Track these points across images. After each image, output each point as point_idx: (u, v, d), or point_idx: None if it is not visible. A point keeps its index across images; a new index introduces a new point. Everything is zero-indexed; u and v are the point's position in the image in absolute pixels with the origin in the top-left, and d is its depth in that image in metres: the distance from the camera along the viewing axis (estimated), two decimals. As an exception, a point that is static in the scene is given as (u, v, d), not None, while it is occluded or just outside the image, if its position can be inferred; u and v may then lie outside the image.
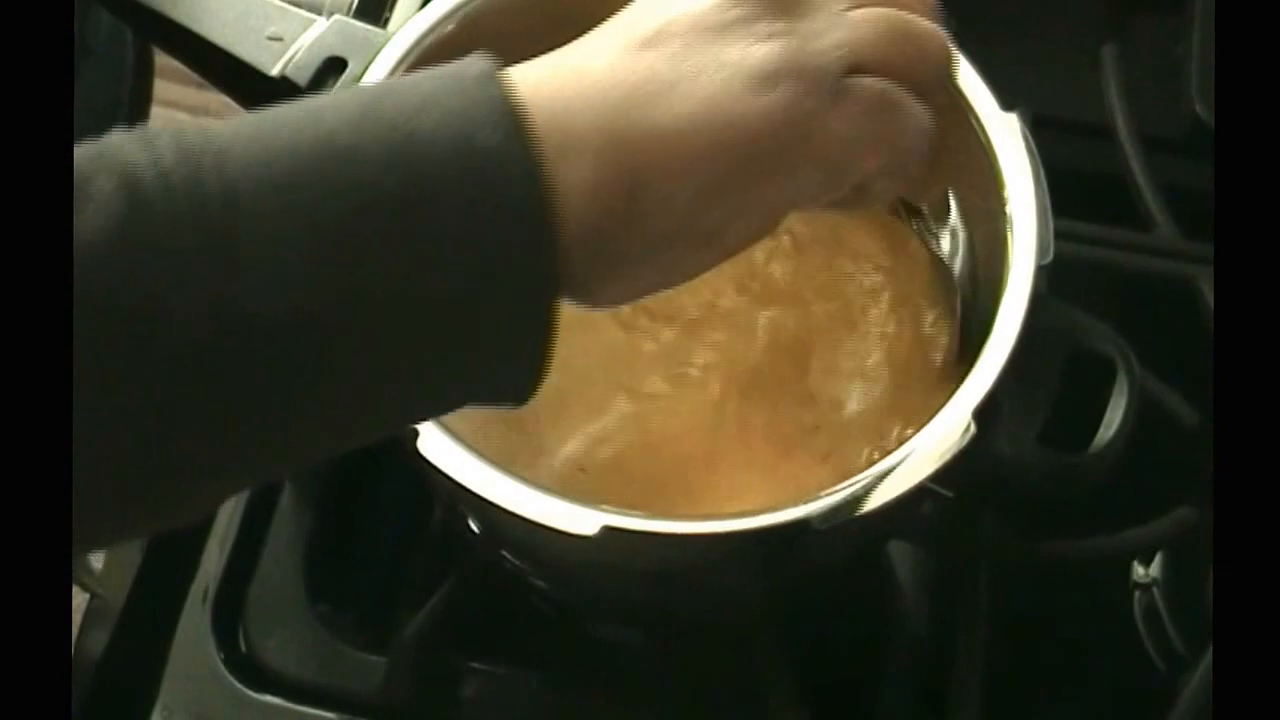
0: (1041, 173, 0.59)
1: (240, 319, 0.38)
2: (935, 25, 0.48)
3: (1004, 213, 0.58)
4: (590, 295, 0.44)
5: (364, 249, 0.39)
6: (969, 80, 0.61)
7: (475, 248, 0.40)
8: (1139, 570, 0.68)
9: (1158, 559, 0.67)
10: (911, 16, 0.47)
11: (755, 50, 0.44)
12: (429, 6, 0.64)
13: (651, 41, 0.44)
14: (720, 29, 0.44)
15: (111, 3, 0.67)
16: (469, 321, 0.41)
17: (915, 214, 0.65)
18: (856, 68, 0.45)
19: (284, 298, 0.38)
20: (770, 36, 0.44)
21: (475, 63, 0.42)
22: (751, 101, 0.43)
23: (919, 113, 0.47)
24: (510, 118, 0.41)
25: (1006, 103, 0.60)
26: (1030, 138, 0.59)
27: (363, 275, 0.39)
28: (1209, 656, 0.62)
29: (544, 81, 0.43)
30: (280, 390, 0.39)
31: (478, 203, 0.40)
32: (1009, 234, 0.58)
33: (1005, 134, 0.60)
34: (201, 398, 0.38)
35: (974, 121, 0.61)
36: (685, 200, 0.43)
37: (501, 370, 0.43)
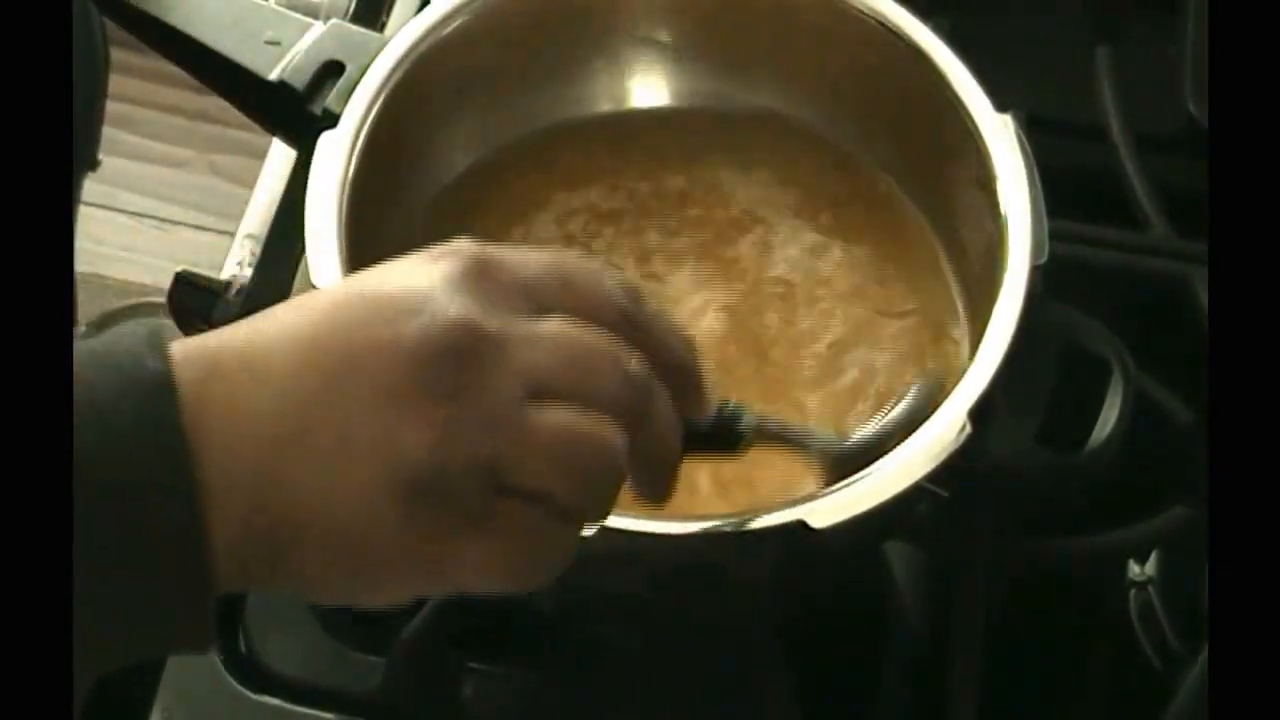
0: (1036, 173, 0.59)
1: None
2: (623, 352, 0.43)
3: (999, 213, 0.58)
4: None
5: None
6: (963, 81, 0.62)
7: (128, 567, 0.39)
8: (1134, 569, 0.68)
9: (1153, 557, 0.67)
10: (592, 341, 0.43)
11: (408, 440, 0.40)
12: (426, 10, 0.64)
13: (331, 370, 0.41)
14: (398, 399, 0.40)
15: (109, 7, 0.68)
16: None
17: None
18: (539, 397, 0.42)
19: None
20: (425, 429, 0.40)
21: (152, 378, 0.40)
22: (385, 515, 0.41)
23: (603, 453, 0.43)
24: (170, 450, 0.39)
25: (1001, 103, 0.61)
26: (1025, 138, 0.60)
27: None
28: (1204, 654, 0.62)
29: (217, 393, 0.40)
30: None
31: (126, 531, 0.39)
32: (1004, 234, 0.58)
33: (1000, 134, 0.60)
34: None
35: (968, 122, 0.61)
36: (319, 570, 0.42)
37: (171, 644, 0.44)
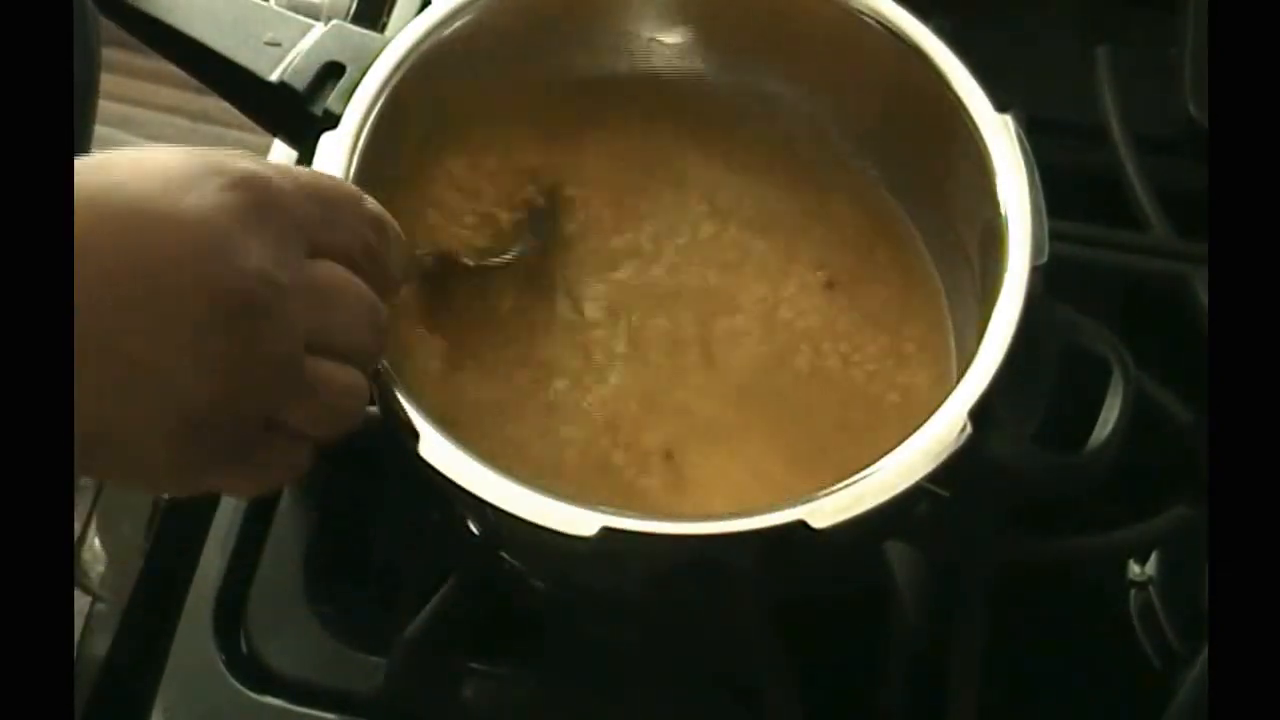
0: (1036, 173, 0.59)
1: None
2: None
3: (999, 213, 0.58)
4: None
5: None
6: (963, 82, 0.62)
7: None
8: (1135, 569, 0.68)
9: (1153, 557, 0.67)
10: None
11: (193, 388, 0.43)
12: (426, 11, 0.64)
13: (130, 290, 0.43)
14: (189, 334, 0.43)
15: (109, 7, 0.67)
16: None
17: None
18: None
19: None
20: (218, 367, 0.44)
21: None
22: (160, 449, 0.44)
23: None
24: None
25: (1001, 104, 0.61)
26: (1024, 139, 0.60)
27: None
28: (1205, 654, 0.62)
29: None
30: None
31: None
32: (1004, 234, 0.58)
33: (999, 135, 0.60)
34: None
35: (968, 122, 0.61)
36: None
37: None
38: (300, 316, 0.46)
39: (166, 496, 0.53)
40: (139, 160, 0.44)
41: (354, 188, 0.52)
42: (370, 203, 0.51)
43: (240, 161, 0.46)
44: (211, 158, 0.45)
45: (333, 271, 0.48)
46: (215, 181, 0.44)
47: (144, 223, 0.43)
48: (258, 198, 0.45)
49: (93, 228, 0.42)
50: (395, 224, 0.52)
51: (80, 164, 0.43)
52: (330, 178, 0.52)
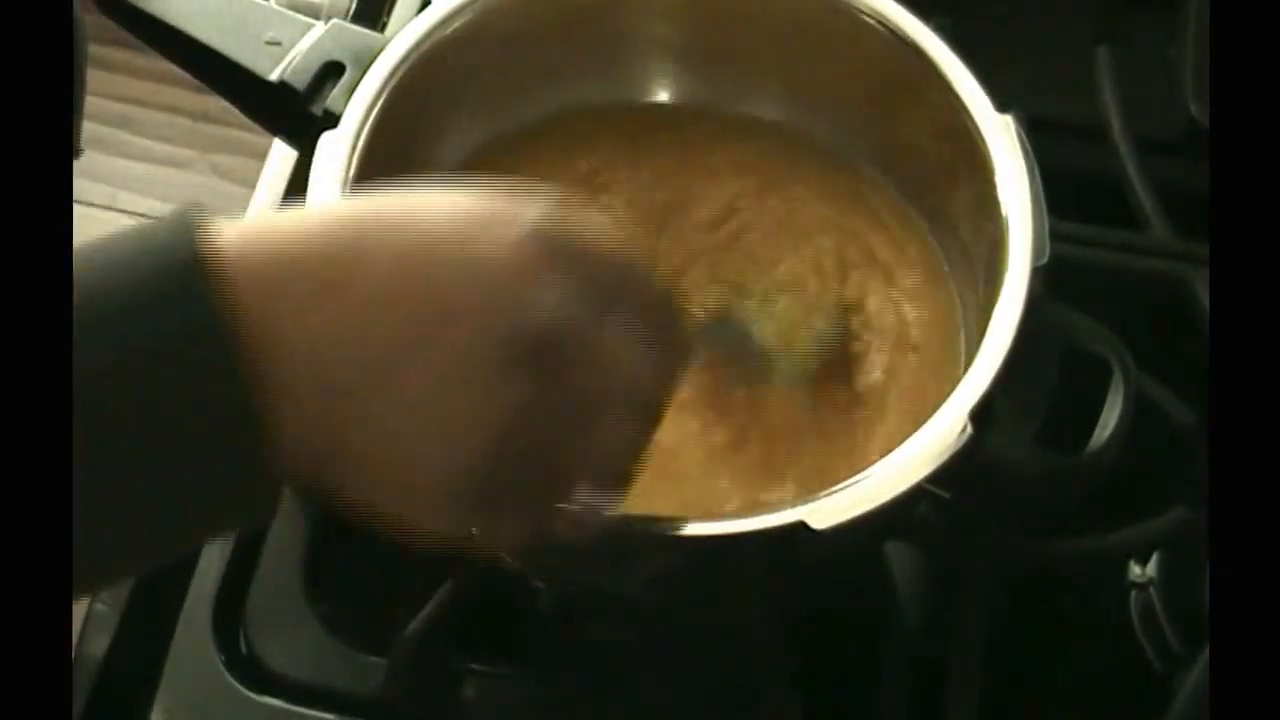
0: (1037, 174, 0.59)
1: None
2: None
3: (999, 214, 0.58)
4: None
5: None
6: (964, 82, 0.62)
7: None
8: (1135, 570, 0.68)
9: (1154, 559, 0.67)
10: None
11: (493, 420, 0.42)
12: (427, 10, 0.64)
13: (424, 319, 0.42)
14: (489, 371, 0.42)
15: (110, 7, 0.67)
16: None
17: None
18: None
19: None
20: (516, 405, 0.42)
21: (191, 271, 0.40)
22: (450, 484, 0.43)
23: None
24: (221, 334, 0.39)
25: (1001, 104, 0.61)
26: (1025, 139, 0.60)
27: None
28: (1205, 656, 0.62)
29: (285, 310, 0.41)
30: None
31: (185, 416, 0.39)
32: (1005, 235, 0.58)
33: (1000, 135, 0.60)
34: None
35: (969, 123, 0.61)
36: (361, 493, 0.43)
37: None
38: (595, 370, 0.44)
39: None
40: (431, 198, 0.43)
41: (642, 265, 0.48)
42: (659, 283, 0.48)
43: (533, 209, 0.43)
44: (508, 203, 0.44)
45: (625, 335, 0.45)
46: (513, 225, 0.43)
47: (435, 259, 0.42)
48: (558, 249, 0.43)
49: (377, 259, 0.41)
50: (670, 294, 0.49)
51: (369, 201, 0.43)
52: (613, 244, 0.47)
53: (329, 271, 0.41)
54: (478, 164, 0.67)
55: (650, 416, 0.47)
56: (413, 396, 0.41)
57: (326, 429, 0.41)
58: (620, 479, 0.47)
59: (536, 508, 0.45)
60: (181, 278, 0.39)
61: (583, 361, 0.43)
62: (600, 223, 0.46)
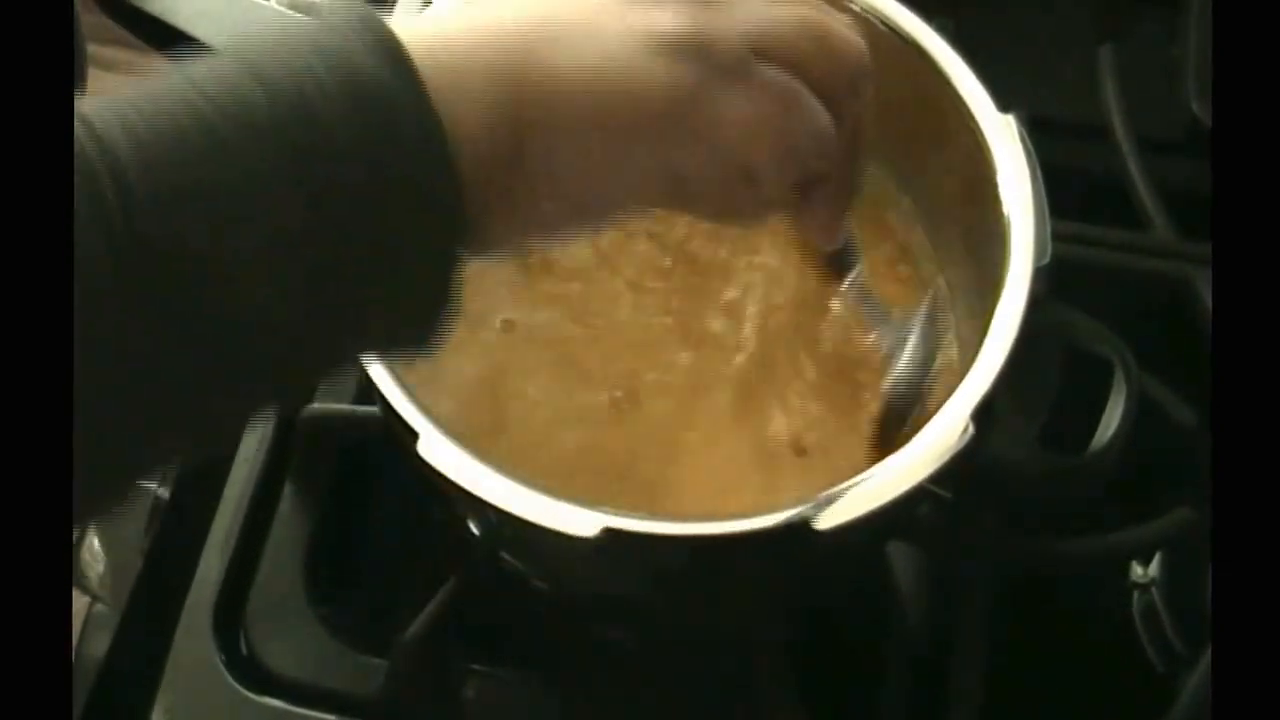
0: (1039, 174, 0.59)
1: (137, 248, 0.37)
2: (855, 37, 0.48)
3: (1001, 214, 0.58)
4: (478, 236, 0.43)
5: (265, 193, 0.39)
6: (966, 81, 0.61)
7: (374, 185, 0.40)
8: (1137, 570, 0.68)
9: (1156, 559, 0.67)
10: (831, 22, 0.47)
11: (662, 17, 0.43)
12: (428, 11, 0.64)
13: None
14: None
15: (112, 7, 0.67)
16: (375, 255, 0.40)
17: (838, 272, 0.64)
18: (764, 54, 0.45)
19: (179, 232, 0.38)
20: (679, 10, 0.43)
21: (357, 9, 0.41)
22: (650, 66, 0.43)
23: (819, 114, 0.46)
24: (396, 59, 0.40)
25: (1003, 104, 0.61)
26: (1027, 139, 0.60)
27: (264, 217, 0.39)
28: (1208, 656, 0.62)
29: (430, 28, 0.43)
30: (186, 319, 0.38)
31: (372, 141, 0.39)
32: (1007, 235, 0.58)
33: (1002, 135, 0.60)
34: (112, 332, 0.38)
35: (971, 123, 0.61)
36: (569, 154, 0.43)
37: (413, 305, 0.43)
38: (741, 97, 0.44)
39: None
40: None
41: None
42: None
43: None
44: None
45: (770, 75, 0.45)
46: None
47: None
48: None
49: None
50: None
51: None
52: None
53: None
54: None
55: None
56: (579, 33, 0.42)
57: (511, 89, 0.42)
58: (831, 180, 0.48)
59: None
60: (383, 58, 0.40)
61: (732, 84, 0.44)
62: None
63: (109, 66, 0.81)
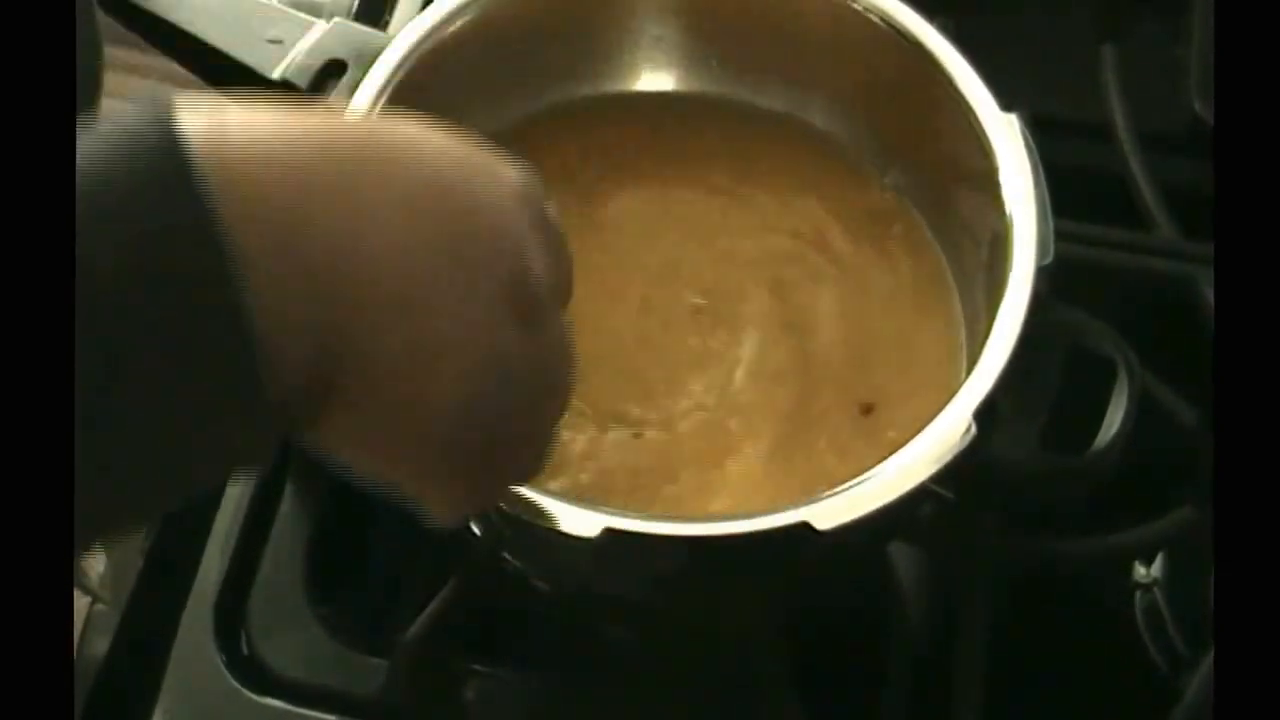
0: (1041, 173, 0.59)
1: None
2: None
3: (1004, 213, 0.58)
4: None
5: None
6: (968, 80, 0.61)
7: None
8: (1140, 570, 0.68)
9: (1159, 559, 0.67)
10: None
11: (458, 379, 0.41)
12: (429, 9, 0.64)
13: (419, 221, 0.40)
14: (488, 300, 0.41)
15: (112, 5, 0.67)
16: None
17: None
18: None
19: None
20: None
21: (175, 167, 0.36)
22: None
23: None
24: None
25: (1005, 103, 0.61)
26: (1029, 138, 0.60)
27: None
28: (1211, 657, 0.62)
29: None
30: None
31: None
32: (1009, 234, 0.58)
33: (1004, 134, 0.60)
34: None
35: (973, 122, 0.61)
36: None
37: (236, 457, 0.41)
38: (551, 349, 0.43)
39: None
40: (424, 131, 0.42)
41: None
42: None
43: (516, 168, 0.43)
44: (491, 156, 0.43)
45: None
46: (505, 179, 0.42)
47: (444, 192, 0.40)
48: (536, 210, 0.43)
49: (386, 178, 0.39)
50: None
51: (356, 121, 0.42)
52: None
53: (328, 181, 0.38)
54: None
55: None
56: (411, 326, 0.39)
57: (321, 360, 0.38)
58: (538, 466, 0.46)
59: (498, 474, 0.45)
60: (166, 180, 0.36)
61: (551, 330, 0.43)
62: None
63: (109, 65, 0.81)
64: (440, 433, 0.42)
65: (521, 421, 0.44)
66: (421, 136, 0.42)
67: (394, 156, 0.40)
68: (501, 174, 0.43)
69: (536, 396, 0.44)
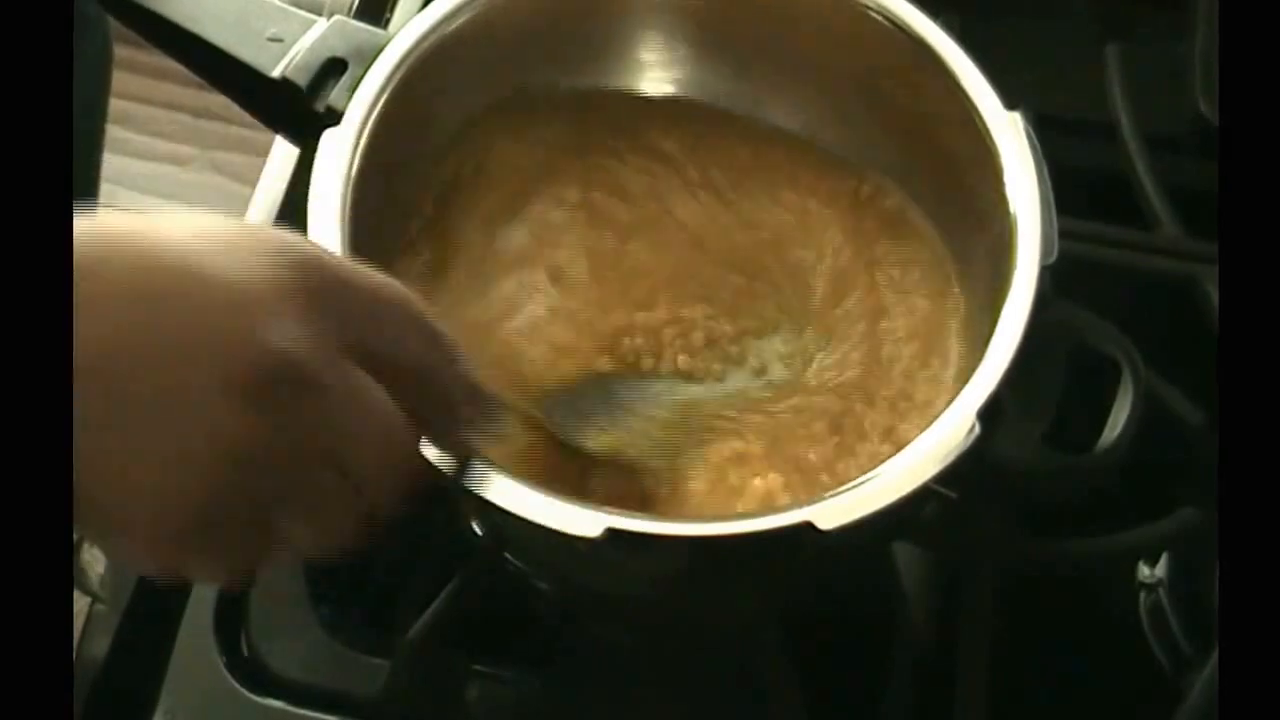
0: (1045, 172, 0.59)
1: None
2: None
3: (1008, 212, 0.58)
4: None
5: None
6: (972, 79, 0.61)
7: None
8: (1144, 570, 0.68)
9: (1163, 559, 0.67)
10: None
11: (240, 429, 0.41)
12: (430, 7, 0.64)
13: (136, 316, 0.40)
14: (231, 392, 0.40)
15: (112, 4, 0.67)
16: None
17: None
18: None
19: None
20: (259, 423, 0.41)
21: None
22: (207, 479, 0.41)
23: None
24: None
25: (1010, 102, 0.60)
26: (1034, 137, 0.59)
27: None
28: (1215, 656, 0.62)
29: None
30: None
31: None
32: (1013, 233, 0.58)
33: (1008, 133, 0.60)
34: None
35: (977, 121, 0.61)
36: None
37: None
38: (318, 419, 0.42)
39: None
40: (181, 218, 0.42)
41: (408, 293, 0.46)
42: (425, 312, 0.46)
43: (289, 236, 0.42)
44: (259, 228, 0.42)
45: (364, 383, 0.43)
46: (258, 250, 0.41)
47: (168, 278, 0.40)
48: (302, 277, 0.42)
49: (109, 274, 0.39)
50: (454, 342, 0.47)
51: (109, 215, 0.41)
52: (382, 277, 0.45)
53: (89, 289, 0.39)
54: (480, 161, 0.67)
55: (367, 495, 0.45)
56: (133, 422, 0.39)
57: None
58: (326, 549, 0.45)
59: (243, 555, 0.44)
60: None
61: (309, 408, 0.42)
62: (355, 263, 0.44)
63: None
64: (194, 526, 0.41)
65: (297, 484, 0.43)
66: (155, 227, 0.41)
67: (117, 249, 0.40)
68: (244, 248, 0.42)
69: (308, 461, 0.43)
